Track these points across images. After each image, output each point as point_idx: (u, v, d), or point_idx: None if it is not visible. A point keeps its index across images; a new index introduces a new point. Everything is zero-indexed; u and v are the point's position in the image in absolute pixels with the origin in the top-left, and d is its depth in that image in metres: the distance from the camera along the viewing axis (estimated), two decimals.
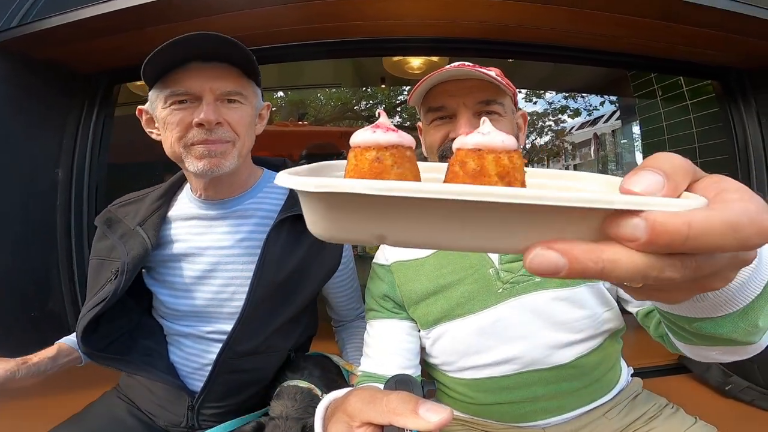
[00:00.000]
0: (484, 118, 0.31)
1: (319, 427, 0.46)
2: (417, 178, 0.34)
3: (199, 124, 0.73)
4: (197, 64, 0.75)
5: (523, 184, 0.30)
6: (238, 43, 0.75)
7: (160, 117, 0.77)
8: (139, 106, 0.83)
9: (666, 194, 0.23)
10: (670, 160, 0.24)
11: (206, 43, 0.72)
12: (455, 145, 0.31)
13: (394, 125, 0.32)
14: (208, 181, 0.82)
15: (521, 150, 1.04)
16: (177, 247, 0.85)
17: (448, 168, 0.33)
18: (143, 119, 0.83)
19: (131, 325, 0.89)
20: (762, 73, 1.69)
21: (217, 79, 0.75)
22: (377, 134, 0.31)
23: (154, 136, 0.83)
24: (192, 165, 0.76)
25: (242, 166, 0.84)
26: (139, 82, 2.40)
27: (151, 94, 0.78)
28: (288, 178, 0.25)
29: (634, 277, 0.21)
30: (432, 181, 0.41)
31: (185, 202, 0.89)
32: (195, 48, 0.73)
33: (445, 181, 0.34)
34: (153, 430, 0.87)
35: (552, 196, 0.21)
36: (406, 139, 0.32)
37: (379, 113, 0.34)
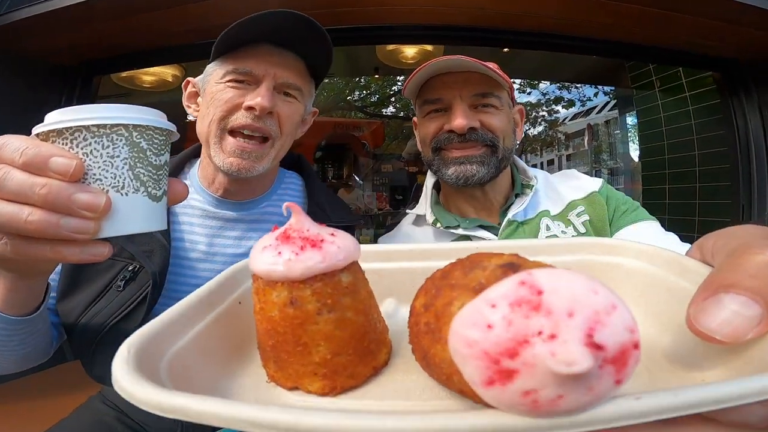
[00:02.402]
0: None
1: None
2: (364, 312, 0.23)
3: (250, 108, 0.67)
4: (268, 47, 0.69)
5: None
6: (327, 37, 0.70)
7: (210, 92, 0.70)
8: (189, 77, 0.77)
9: (760, 334, 0.16)
10: None
11: (290, 25, 0.67)
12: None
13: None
14: (232, 179, 0.74)
15: (516, 144, 1.00)
16: (182, 248, 0.75)
17: (412, 316, 0.23)
18: (186, 92, 0.77)
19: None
20: (764, 65, 1.67)
21: (283, 67, 0.70)
22: (285, 257, 0.20)
23: (190, 111, 0.77)
24: (218, 158, 0.69)
25: (273, 169, 0.77)
26: (123, 74, 2.31)
27: (209, 67, 0.72)
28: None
29: None
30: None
31: (191, 193, 0.78)
32: (272, 29, 0.68)
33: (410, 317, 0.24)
34: None
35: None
36: (342, 253, 0.21)
37: (286, 207, 0.22)
